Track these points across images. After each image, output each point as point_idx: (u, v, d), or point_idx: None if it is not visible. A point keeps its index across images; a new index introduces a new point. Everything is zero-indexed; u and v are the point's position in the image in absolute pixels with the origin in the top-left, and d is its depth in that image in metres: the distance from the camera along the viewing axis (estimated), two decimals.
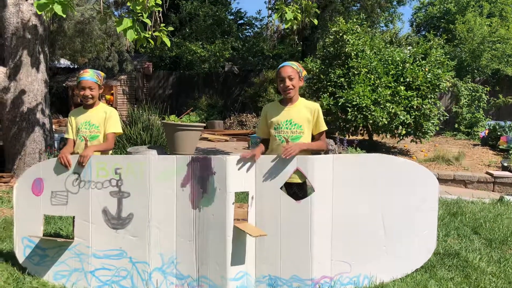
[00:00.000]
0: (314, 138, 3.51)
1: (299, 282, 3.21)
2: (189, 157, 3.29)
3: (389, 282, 3.31)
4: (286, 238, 3.24)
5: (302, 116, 3.41)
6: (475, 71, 16.36)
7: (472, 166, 8.99)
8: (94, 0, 12.97)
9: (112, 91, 16.26)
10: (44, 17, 6.89)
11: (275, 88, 15.12)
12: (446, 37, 11.91)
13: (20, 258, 3.53)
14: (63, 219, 4.91)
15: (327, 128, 3.51)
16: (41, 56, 7.22)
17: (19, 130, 6.97)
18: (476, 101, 14.18)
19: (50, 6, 4.36)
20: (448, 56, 10.82)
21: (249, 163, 3.24)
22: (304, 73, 3.50)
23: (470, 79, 14.96)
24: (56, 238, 3.68)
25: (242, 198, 5.31)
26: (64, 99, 16.94)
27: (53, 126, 8.44)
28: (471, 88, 14.34)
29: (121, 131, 3.89)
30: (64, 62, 17.16)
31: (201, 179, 3.23)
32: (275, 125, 3.45)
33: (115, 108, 10.77)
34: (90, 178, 3.42)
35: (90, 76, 3.67)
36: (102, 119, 3.72)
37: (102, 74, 3.85)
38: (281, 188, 3.27)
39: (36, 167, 3.61)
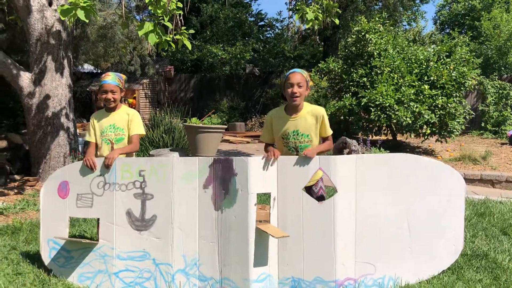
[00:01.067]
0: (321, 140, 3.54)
1: (323, 284, 3.17)
2: (211, 159, 3.29)
3: (415, 284, 3.24)
4: (309, 239, 3.20)
5: (308, 125, 3.43)
6: (502, 68, 15.99)
7: (500, 166, 8.77)
8: (116, 5, 13.17)
9: (135, 95, 16.48)
10: (68, 23, 7.00)
11: None
12: (471, 34, 11.67)
13: (46, 260, 3.59)
14: (87, 221, 4.97)
15: (332, 132, 3.52)
16: (65, 61, 7.35)
17: (44, 134, 7.10)
18: (504, 99, 13.87)
19: (74, 11, 4.43)
20: (474, 54, 10.59)
21: (270, 164, 3.23)
22: (311, 83, 3.51)
23: (497, 77, 14.64)
24: (81, 239, 3.72)
25: (264, 199, 5.29)
26: (87, 104, 17.24)
27: (77, 130, 8.58)
28: (498, 86, 14.03)
29: (144, 133, 3.92)
30: (87, 67, 17.48)
31: (223, 180, 3.23)
32: (283, 135, 3.47)
33: (138, 111, 10.90)
34: (114, 180, 3.46)
35: (111, 79, 3.70)
36: (126, 121, 3.75)
37: (124, 76, 3.87)
38: (303, 188, 3.24)
39: (62, 170, 3.67)
